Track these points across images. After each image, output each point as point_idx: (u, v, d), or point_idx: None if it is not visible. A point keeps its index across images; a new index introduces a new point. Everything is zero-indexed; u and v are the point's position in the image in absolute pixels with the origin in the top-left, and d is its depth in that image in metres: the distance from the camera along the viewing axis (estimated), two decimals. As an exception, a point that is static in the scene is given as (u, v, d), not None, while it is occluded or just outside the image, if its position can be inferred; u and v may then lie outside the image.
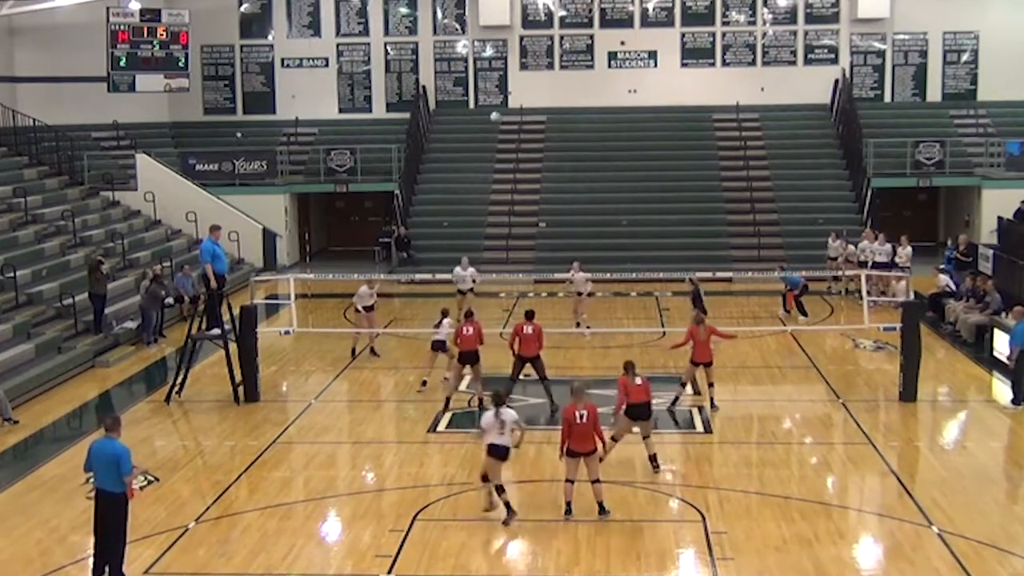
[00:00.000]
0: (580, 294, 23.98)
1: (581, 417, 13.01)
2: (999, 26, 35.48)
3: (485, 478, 13.24)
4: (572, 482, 13.21)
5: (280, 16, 37.06)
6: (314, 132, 36.58)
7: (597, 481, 13.24)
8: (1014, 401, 17.95)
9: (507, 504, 13.07)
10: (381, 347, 22.49)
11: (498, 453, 13.06)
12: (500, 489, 13.11)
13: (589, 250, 30.21)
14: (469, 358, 17.97)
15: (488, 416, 13.20)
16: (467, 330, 18.05)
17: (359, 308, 21.66)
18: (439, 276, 26.95)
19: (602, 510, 13.21)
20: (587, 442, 13.13)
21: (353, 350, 21.91)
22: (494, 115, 32.90)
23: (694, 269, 25.65)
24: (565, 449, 13.18)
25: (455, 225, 32.87)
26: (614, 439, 14.88)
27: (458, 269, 24.93)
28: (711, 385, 17.85)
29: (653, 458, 14.92)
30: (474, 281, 24.96)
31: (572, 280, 24.11)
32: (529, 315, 18.11)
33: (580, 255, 28.21)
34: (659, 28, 36.46)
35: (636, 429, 14.98)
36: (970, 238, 28.80)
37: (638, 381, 14.73)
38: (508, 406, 13.36)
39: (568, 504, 13.24)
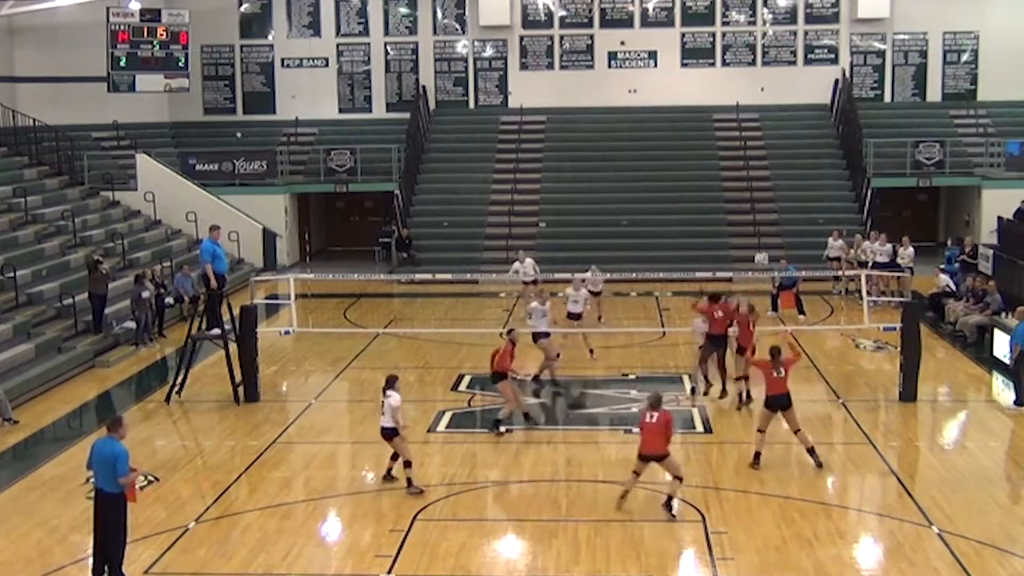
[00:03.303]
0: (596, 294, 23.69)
1: None
2: (999, 26, 35.47)
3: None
4: None
5: (280, 16, 37.06)
6: (314, 132, 36.58)
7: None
8: (1016, 402, 17.90)
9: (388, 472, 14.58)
10: (380, 347, 22.47)
11: (382, 434, 14.32)
12: (394, 458, 14.50)
13: (589, 250, 30.23)
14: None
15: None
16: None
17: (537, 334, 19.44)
18: (439, 276, 27.01)
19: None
20: None
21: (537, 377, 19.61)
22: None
23: (694, 269, 25.68)
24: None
25: (455, 225, 32.87)
26: (760, 431, 15.09)
27: (516, 264, 25.05)
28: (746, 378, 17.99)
29: (812, 451, 15.02)
30: (535, 271, 24.94)
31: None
32: (715, 297, 18.50)
33: (580, 255, 28.27)
34: (659, 28, 36.46)
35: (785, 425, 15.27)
36: (971, 238, 28.78)
37: (780, 373, 15.00)
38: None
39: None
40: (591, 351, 21.06)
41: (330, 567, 12.36)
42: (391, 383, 14.31)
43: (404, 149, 34.29)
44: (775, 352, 15.17)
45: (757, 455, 15.18)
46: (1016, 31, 35.26)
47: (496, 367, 16.71)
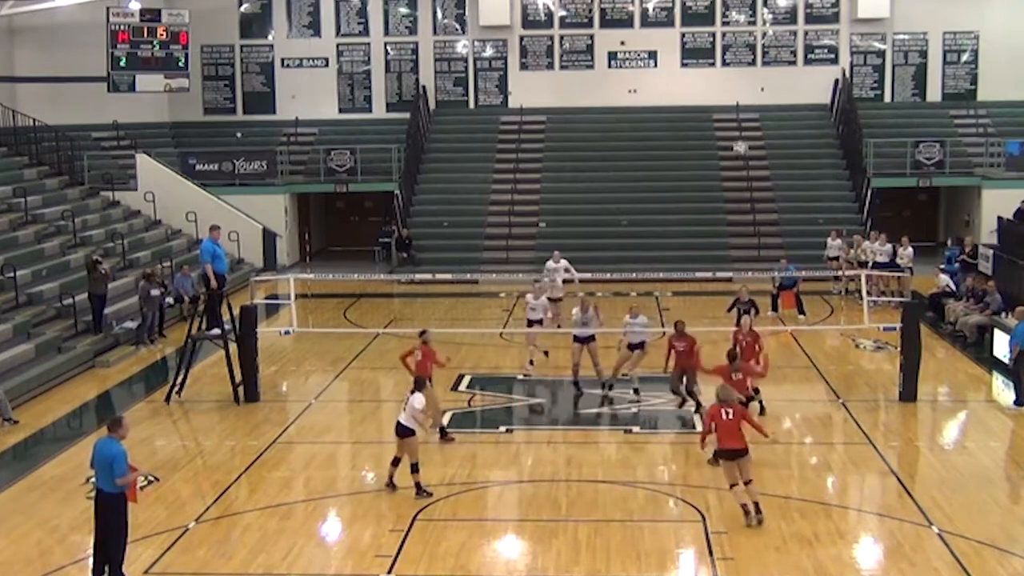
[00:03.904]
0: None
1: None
2: (999, 26, 35.48)
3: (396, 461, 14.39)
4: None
5: (280, 16, 37.06)
6: (314, 132, 36.58)
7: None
8: (1017, 402, 17.89)
9: (390, 480, 14.28)
10: (380, 347, 22.49)
11: (396, 431, 14.10)
12: (395, 462, 14.29)
13: (589, 250, 30.26)
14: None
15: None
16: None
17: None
18: (439, 276, 26.99)
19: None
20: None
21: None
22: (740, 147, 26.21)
23: (694, 269, 25.68)
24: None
25: (455, 225, 32.87)
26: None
27: (550, 263, 24.01)
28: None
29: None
30: (567, 271, 23.73)
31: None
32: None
33: (580, 255, 28.27)
34: (659, 28, 36.47)
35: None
36: (971, 238, 28.78)
37: (739, 375, 15.38)
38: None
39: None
40: (531, 362, 20.45)
41: (330, 567, 12.36)
42: (421, 385, 14.26)
43: (404, 149, 34.29)
44: (732, 356, 15.58)
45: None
46: (1016, 31, 35.26)
47: (417, 371, 15.99)
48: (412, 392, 14.14)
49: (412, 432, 14.05)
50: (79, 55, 33.62)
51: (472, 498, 14.26)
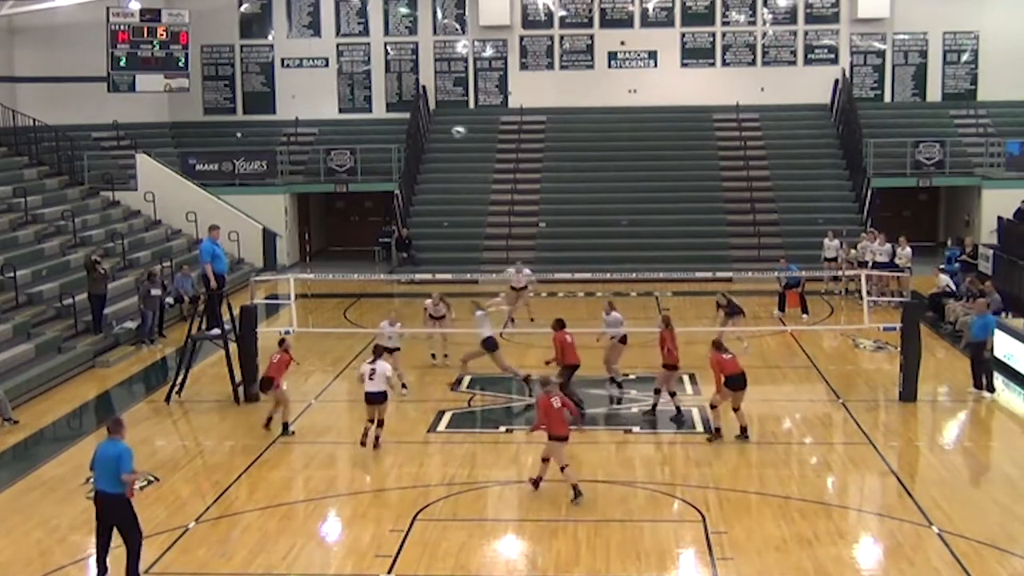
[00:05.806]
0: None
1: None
2: (999, 26, 35.48)
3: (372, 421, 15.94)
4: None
5: (280, 16, 37.06)
6: (314, 132, 36.58)
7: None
8: (976, 386, 18.48)
9: (376, 437, 15.88)
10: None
11: (372, 399, 15.74)
12: (379, 424, 15.90)
13: (589, 250, 30.27)
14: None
15: (362, 367, 15.90)
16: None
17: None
18: (439, 276, 26.97)
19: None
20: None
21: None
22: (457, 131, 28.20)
23: (694, 269, 25.68)
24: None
25: (455, 225, 32.88)
26: (712, 406, 16.26)
27: (511, 270, 24.89)
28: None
29: (744, 430, 16.17)
30: (530, 283, 24.95)
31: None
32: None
33: (580, 255, 28.33)
34: (659, 28, 36.47)
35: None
36: (971, 239, 28.79)
37: (727, 356, 16.10)
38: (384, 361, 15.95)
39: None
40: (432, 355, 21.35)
41: (330, 567, 12.36)
42: (380, 353, 16.05)
43: (404, 149, 34.29)
44: (718, 344, 16.27)
45: (717, 430, 16.22)
46: (1016, 31, 35.27)
47: (270, 372, 16.93)
48: (373, 362, 15.71)
49: (386, 396, 15.79)
50: (79, 55, 33.62)
51: (472, 498, 14.26)
